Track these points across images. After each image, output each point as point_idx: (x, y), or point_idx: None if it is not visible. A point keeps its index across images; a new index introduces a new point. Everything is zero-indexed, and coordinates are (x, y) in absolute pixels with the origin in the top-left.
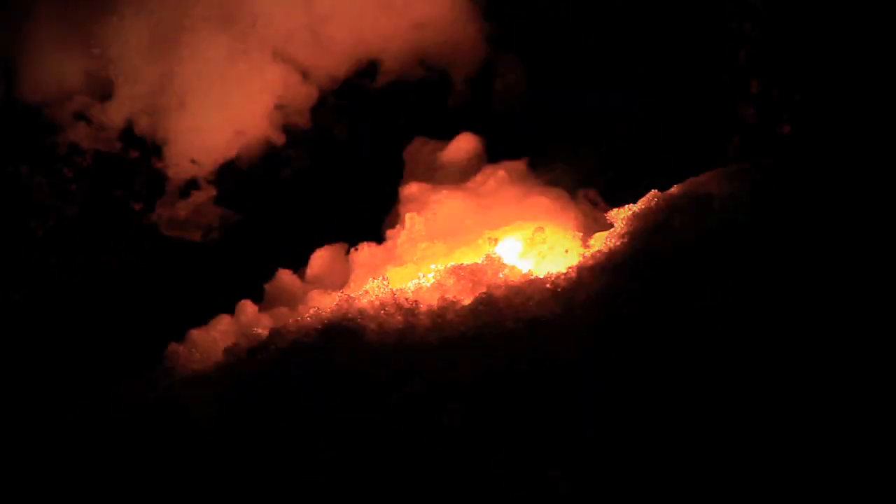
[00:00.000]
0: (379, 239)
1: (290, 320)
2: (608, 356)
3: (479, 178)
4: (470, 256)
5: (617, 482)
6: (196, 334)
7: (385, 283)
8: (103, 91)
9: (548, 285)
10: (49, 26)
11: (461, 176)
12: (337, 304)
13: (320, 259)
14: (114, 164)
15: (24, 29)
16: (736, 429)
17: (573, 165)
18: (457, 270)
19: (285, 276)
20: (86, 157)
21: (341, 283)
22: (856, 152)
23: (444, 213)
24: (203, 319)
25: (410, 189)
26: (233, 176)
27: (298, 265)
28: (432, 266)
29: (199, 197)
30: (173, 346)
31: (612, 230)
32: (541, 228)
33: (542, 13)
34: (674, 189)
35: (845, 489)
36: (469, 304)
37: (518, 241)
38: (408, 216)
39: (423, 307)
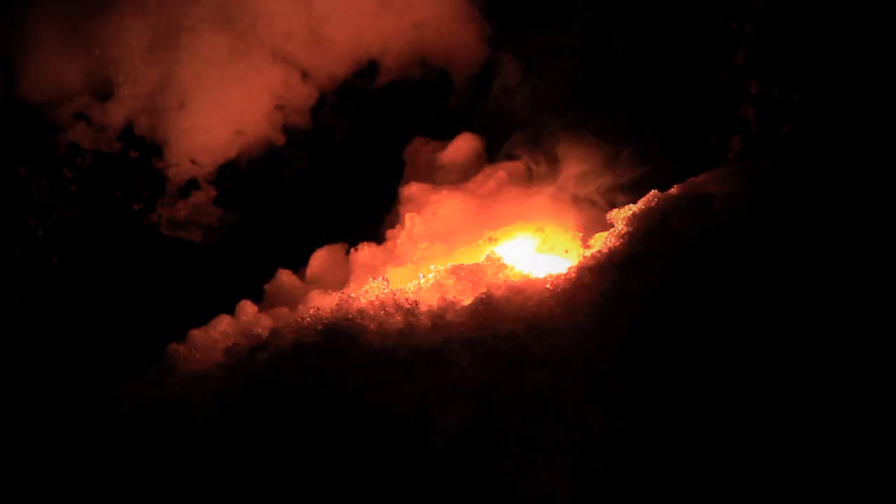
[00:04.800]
0: (379, 239)
1: (290, 320)
2: (609, 356)
3: (479, 178)
4: (470, 256)
5: (619, 483)
6: (196, 334)
7: (385, 283)
8: (103, 91)
9: (548, 285)
10: (49, 26)
11: (461, 176)
12: (337, 304)
13: (320, 259)
14: (114, 164)
15: (24, 29)
16: (736, 427)
17: (573, 165)
18: (457, 270)
19: (285, 276)
20: (86, 157)
21: (341, 283)
22: (856, 152)
23: (444, 213)
24: (203, 319)
25: (410, 189)
26: (233, 176)
27: (298, 265)
28: (432, 266)
29: (199, 197)
30: (173, 346)
31: (612, 230)
32: (541, 228)
33: (542, 13)
34: (674, 189)
35: (846, 488)
36: (469, 305)
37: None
38: (408, 216)
39: (423, 307)
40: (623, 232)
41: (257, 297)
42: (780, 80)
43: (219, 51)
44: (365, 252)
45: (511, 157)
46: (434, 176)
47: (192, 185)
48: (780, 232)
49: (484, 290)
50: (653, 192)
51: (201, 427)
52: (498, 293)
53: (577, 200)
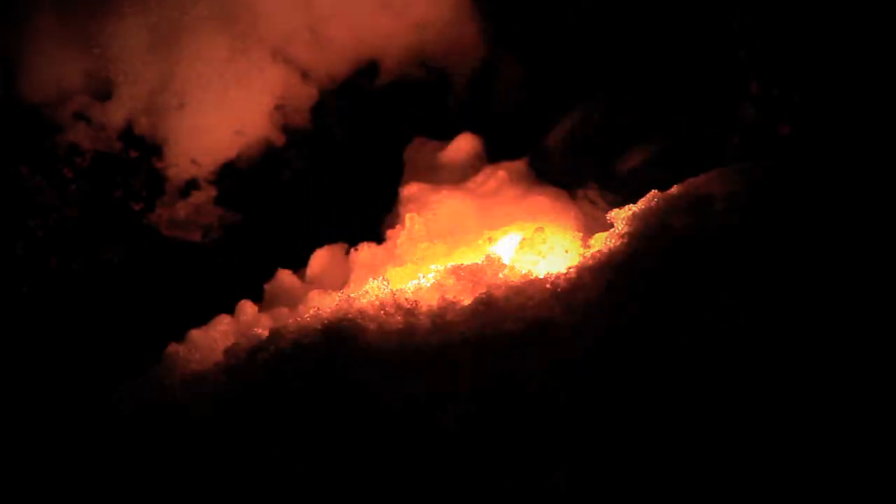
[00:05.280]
0: (379, 239)
1: (290, 320)
2: (609, 356)
3: (479, 178)
4: (470, 256)
5: (619, 483)
6: (196, 334)
7: (385, 283)
8: (103, 91)
9: (548, 285)
10: (49, 26)
11: (461, 176)
12: (337, 304)
13: (320, 259)
14: (114, 164)
15: (24, 29)
16: (735, 427)
17: (574, 166)
18: (457, 270)
19: (285, 276)
20: (86, 157)
21: (341, 283)
22: (856, 152)
23: (444, 213)
24: (203, 319)
25: (410, 189)
26: (233, 176)
27: (298, 265)
28: (432, 266)
29: (199, 197)
30: (173, 346)
31: (612, 230)
32: (541, 228)
33: (542, 13)
34: (674, 189)
35: (845, 488)
36: (469, 305)
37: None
38: (408, 216)
39: (423, 307)
40: (623, 232)
41: (257, 297)
42: (780, 80)
43: (219, 51)
44: (365, 252)
45: (511, 157)
46: (434, 176)
47: (192, 185)
48: (780, 232)
49: (484, 290)
50: (653, 192)
51: (201, 427)
52: (498, 293)
53: (577, 200)
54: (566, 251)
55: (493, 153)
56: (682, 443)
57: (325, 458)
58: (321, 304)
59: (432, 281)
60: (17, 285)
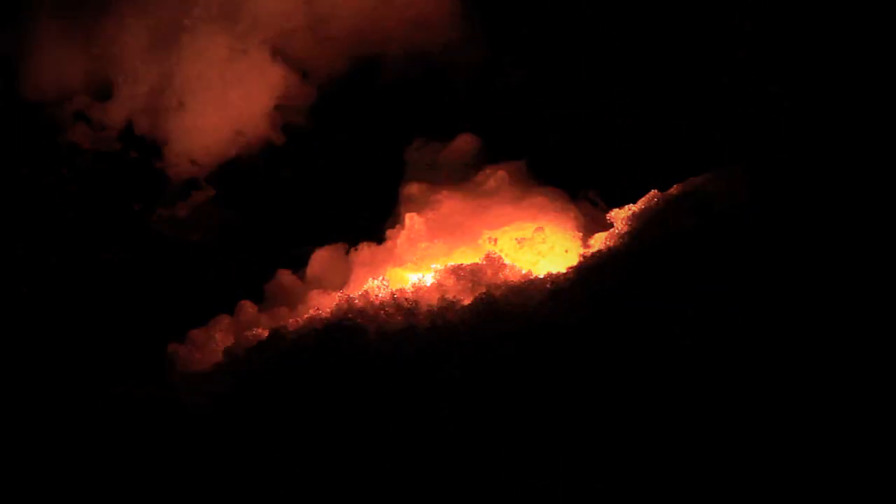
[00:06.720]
0: (379, 239)
1: (290, 320)
2: (608, 355)
3: (479, 178)
4: (470, 256)
5: (617, 478)
6: (196, 334)
7: (385, 283)
8: (103, 91)
9: (548, 285)
10: (49, 26)
11: (461, 176)
12: (337, 304)
13: (320, 259)
14: (114, 164)
15: (25, 29)
16: (732, 425)
17: (573, 165)
18: (457, 270)
19: (285, 276)
20: (86, 157)
21: (341, 283)
22: (855, 152)
23: (444, 213)
24: (203, 319)
25: (410, 189)
26: (233, 176)
27: (298, 265)
28: (432, 266)
29: (199, 197)
30: (173, 346)
31: (612, 230)
32: (541, 228)
33: (542, 13)
34: (674, 189)
35: (843, 485)
36: (469, 304)
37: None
38: (408, 216)
39: (423, 307)
40: (623, 232)
41: (257, 297)
42: (780, 80)
43: (219, 51)
44: (365, 252)
45: (511, 157)
46: (434, 176)
47: (192, 185)
48: (780, 231)
49: (484, 290)
50: (653, 191)
51: (200, 426)
52: (498, 293)
53: (577, 200)
54: (566, 251)
55: (493, 153)
56: (678, 435)
57: (325, 455)
58: (321, 304)
59: (432, 281)
60: (17, 285)
